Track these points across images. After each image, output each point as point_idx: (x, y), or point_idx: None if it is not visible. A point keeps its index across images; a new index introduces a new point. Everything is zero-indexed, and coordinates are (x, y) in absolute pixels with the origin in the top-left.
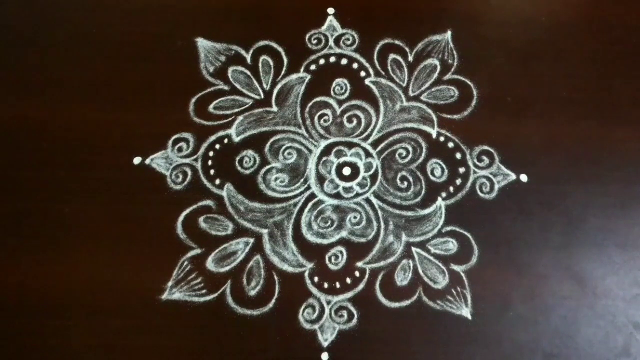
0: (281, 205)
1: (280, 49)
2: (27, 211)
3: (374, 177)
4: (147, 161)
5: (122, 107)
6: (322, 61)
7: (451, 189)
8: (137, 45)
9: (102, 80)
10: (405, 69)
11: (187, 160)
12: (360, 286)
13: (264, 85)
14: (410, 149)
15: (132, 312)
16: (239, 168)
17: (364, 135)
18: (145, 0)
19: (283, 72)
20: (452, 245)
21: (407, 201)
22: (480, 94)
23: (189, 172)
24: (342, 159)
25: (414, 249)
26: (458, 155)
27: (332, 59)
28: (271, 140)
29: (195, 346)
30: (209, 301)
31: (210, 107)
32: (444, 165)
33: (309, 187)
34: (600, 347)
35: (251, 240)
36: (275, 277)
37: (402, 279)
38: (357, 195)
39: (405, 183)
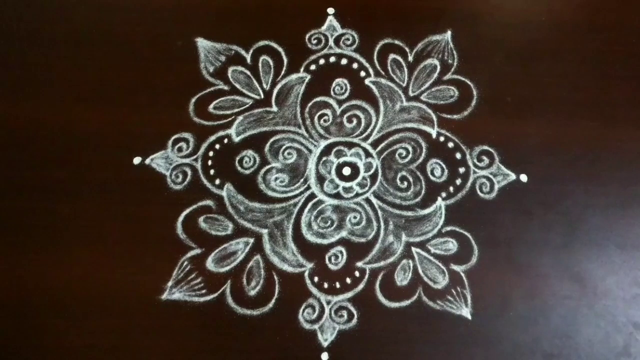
0: (281, 205)
1: (280, 49)
2: (26, 211)
3: (374, 177)
4: (147, 161)
5: (122, 107)
6: (322, 61)
7: (451, 189)
8: (137, 45)
9: (102, 80)
10: (405, 69)
11: (187, 160)
12: (360, 286)
13: (264, 85)
14: (410, 149)
15: (132, 312)
16: (239, 168)
17: (364, 135)
18: (145, 0)
19: (283, 72)
20: (452, 245)
21: (407, 201)
22: (480, 94)
23: (189, 172)
24: (342, 159)
25: (414, 249)
26: (458, 155)
27: (332, 59)
28: (271, 140)
29: (195, 346)
30: (209, 301)
31: (210, 107)
32: (444, 165)
33: (309, 187)
34: (600, 347)
35: (251, 240)
36: (275, 277)
37: (402, 279)
38: (357, 195)
39: (405, 183)
